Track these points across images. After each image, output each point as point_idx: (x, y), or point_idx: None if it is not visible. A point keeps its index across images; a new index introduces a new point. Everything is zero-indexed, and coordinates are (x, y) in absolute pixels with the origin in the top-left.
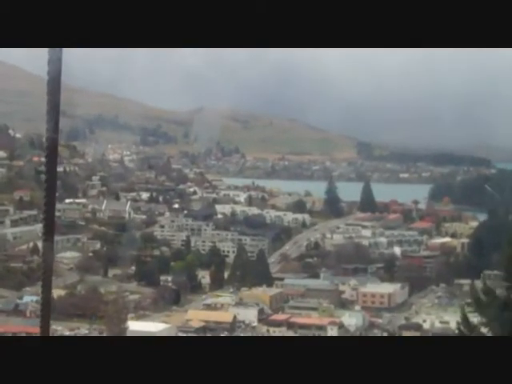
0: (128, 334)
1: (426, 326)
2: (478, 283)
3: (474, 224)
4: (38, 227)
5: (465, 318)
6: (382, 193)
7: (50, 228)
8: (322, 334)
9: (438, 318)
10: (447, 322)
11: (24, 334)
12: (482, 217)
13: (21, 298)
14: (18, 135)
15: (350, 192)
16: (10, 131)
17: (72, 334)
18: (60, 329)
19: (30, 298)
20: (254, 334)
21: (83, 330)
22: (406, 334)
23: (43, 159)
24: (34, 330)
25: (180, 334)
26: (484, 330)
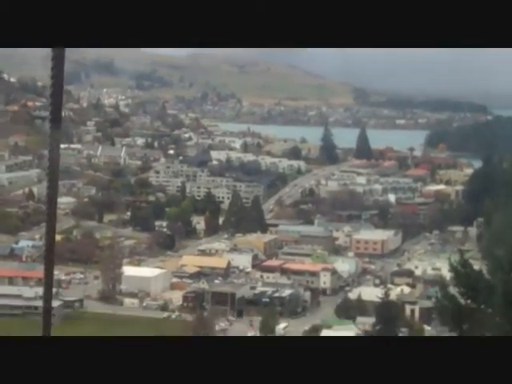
0: (123, 280)
1: (418, 272)
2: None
3: (469, 171)
4: (34, 172)
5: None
6: (378, 139)
7: (54, 173)
8: (315, 280)
9: (430, 264)
10: (439, 269)
11: (20, 278)
12: (478, 164)
13: (16, 242)
14: (12, 79)
15: (345, 138)
16: (5, 75)
17: (68, 278)
18: (57, 273)
19: (26, 242)
20: (248, 280)
21: (79, 274)
22: (398, 280)
23: (38, 103)
24: (30, 273)
25: (174, 280)
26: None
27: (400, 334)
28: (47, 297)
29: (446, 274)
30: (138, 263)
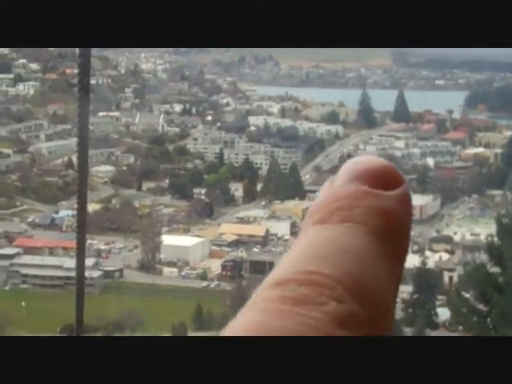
0: (162, 249)
1: (457, 238)
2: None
3: (509, 134)
4: (73, 141)
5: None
6: (417, 101)
7: (84, 142)
8: None
9: (468, 229)
10: (478, 234)
11: (60, 248)
12: None
13: (57, 212)
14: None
15: (384, 101)
16: None
17: (107, 247)
18: (95, 242)
19: (66, 212)
20: (286, 248)
21: (118, 243)
22: (436, 246)
23: (76, 71)
24: (71, 244)
25: (213, 248)
26: None
27: (437, 302)
28: (80, 267)
29: (484, 238)
30: (177, 231)
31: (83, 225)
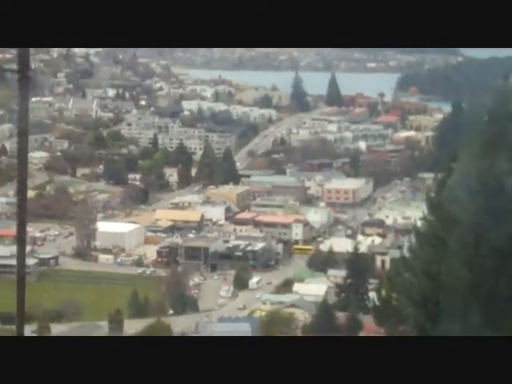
0: (97, 235)
1: (389, 221)
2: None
3: (439, 116)
4: (6, 127)
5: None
6: (349, 83)
7: (24, 129)
8: (288, 232)
9: (400, 213)
10: (409, 218)
11: None
12: (448, 108)
13: None
14: None
15: (317, 83)
16: None
17: (42, 235)
18: (31, 230)
19: (0, 199)
20: (221, 233)
21: (53, 230)
22: (368, 230)
23: (8, 56)
24: (5, 232)
25: (148, 234)
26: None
27: (370, 286)
28: (21, 255)
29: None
30: (112, 218)
31: (24, 212)
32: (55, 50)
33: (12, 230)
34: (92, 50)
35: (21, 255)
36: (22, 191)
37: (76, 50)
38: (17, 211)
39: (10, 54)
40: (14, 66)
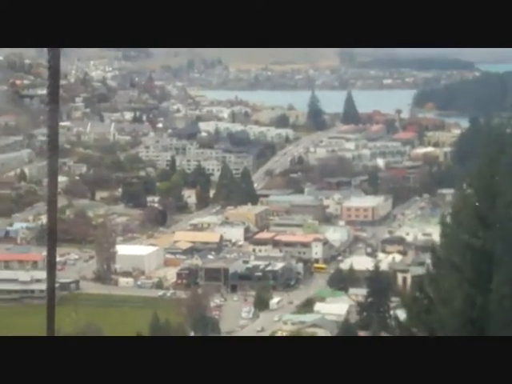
0: (117, 259)
1: (409, 238)
2: None
3: (457, 132)
4: (25, 153)
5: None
6: (366, 101)
7: (54, 153)
8: (307, 251)
9: (420, 230)
10: (430, 234)
11: (16, 261)
12: (465, 123)
13: (11, 224)
14: None
15: (333, 102)
16: None
17: (63, 259)
18: None
19: (20, 224)
20: (241, 254)
21: (73, 255)
22: (389, 248)
23: (26, 82)
24: (26, 257)
25: (168, 256)
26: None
27: (392, 304)
28: (51, 279)
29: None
30: (131, 241)
31: (54, 237)
32: (72, 74)
33: (32, 255)
34: (109, 74)
35: (51, 278)
36: (52, 217)
37: (93, 73)
38: (47, 236)
39: (29, 79)
40: (32, 92)
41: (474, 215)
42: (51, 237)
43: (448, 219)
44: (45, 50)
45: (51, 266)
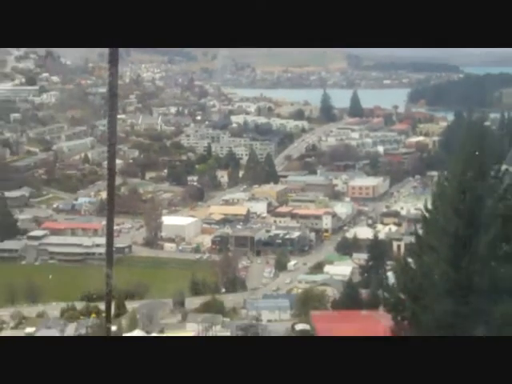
0: (163, 228)
1: (403, 212)
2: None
3: (444, 124)
4: (88, 140)
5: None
6: (369, 98)
7: (113, 137)
8: (319, 222)
9: (412, 205)
10: (420, 209)
11: (80, 229)
12: (451, 116)
13: (76, 199)
14: (68, 62)
15: (341, 99)
16: (62, 59)
17: (118, 228)
18: None
19: (84, 199)
20: (264, 224)
21: (127, 224)
22: (386, 220)
23: (89, 82)
24: (88, 225)
25: (204, 226)
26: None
27: (388, 267)
28: (109, 242)
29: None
30: (174, 213)
31: (112, 209)
32: (127, 75)
33: (93, 224)
34: (157, 75)
35: (110, 243)
36: (110, 194)
37: (144, 75)
38: (107, 209)
39: (91, 80)
40: (94, 90)
41: (449, 205)
42: (110, 209)
43: (429, 206)
44: (105, 54)
45: (110, 233)
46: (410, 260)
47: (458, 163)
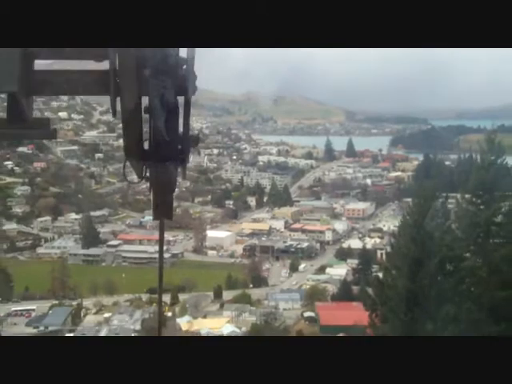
0: (207, 239)
1: (385, 228)
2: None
3: (416, 163)
4: None
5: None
6: (360, 143)
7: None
8: (322, 236)
9: (392, 223)
10: (397, 226)
11: (146, 240)
12: (421, 157)
13: (143, 217)
14: None
15: (340, 144)
16: None
17: (173, 239)
18: (166, 236)
19: (148, 217)
20: (281, 237)
21: (180, 236)
22: (373, 234)
23: None
24: (152, 237)
25: (237, 237)
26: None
27: (373, 269)
28: (161, 252)
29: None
30: (215, 228)
31: (163, 228)
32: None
33: (156, 236)
34: (204, 125)
35: (161, 251)
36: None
37: (194, 125)
38: (159, 225)
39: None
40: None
41: (409, 236)
42: (161, 227)
43: (396, 233)
44: None
45: (161, 245)
46: (380, 276)
47: (418, 205)
